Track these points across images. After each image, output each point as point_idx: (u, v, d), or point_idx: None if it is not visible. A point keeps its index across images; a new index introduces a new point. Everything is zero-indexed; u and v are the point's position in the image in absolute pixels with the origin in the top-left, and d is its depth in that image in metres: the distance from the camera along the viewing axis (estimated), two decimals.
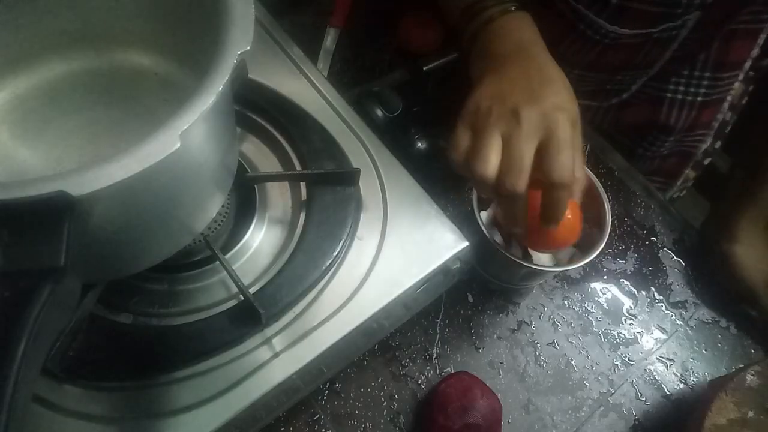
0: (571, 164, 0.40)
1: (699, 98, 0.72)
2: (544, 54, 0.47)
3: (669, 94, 0.73)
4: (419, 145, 0.63)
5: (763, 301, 0.58)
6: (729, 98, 0.73)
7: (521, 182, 0.40)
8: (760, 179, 0.61)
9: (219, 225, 0.46)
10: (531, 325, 0.57)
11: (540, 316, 0.57)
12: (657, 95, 0.74)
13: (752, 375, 0.50)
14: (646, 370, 0.56)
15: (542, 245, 0.50)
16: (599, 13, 0.61)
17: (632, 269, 0.61)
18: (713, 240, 0.61)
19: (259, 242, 0.48)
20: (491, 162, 0.40)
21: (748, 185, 0.61)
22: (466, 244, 0.48)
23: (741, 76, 0.71)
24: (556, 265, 0.54)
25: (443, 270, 0.48)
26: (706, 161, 0.81)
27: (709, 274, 0.62)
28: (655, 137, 0.77)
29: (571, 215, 0.48)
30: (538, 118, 0.41)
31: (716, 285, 0.61)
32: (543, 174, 0.41)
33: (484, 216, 0.53)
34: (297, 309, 0.44)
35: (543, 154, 0.40)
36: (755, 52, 0.69)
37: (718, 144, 0.79)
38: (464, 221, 0.52)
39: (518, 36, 0.48)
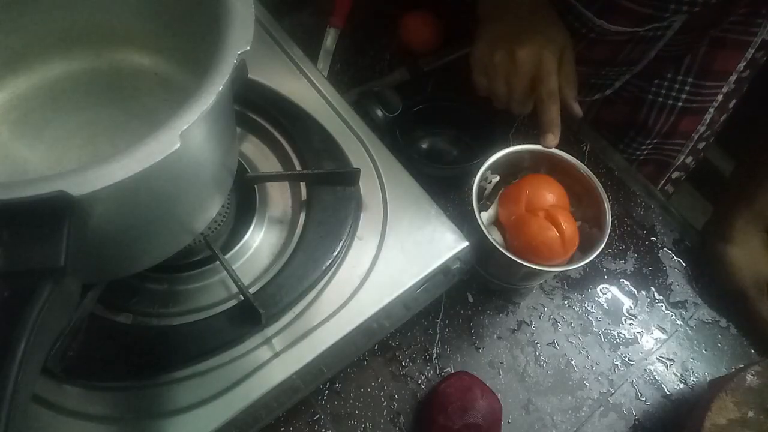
0: (555, 86, 0.54)
1: (680, 103, 0.72)
2: None
3: (650, 96, 0.73)
4: (419, 145, 0.63)
5: (753, 301, 0.58)
6: (711, 110, 0.73)
7: (523, 108, 0.58)
8: (756, 181, 0.61)
9: (219, 225, 0.46)
10: (531, 325, 0.57)
11: (540, 316, 0.57)
12: (638, 95, 0.74)
13: (752, 375, 0.50)
14: (646, 370, 0.56)
15: (539, 257, 0.50)
16: (588, 6, 0.61)
17: (632, 269, 0.61)
18: (710, 240, 0.62)
19: (259, 242, 0.48)
20: (502, 99, 0.58)
21: (746, 187, 0.61)
22: (466, 244, 0.48)
23: (725, 89, 0.71)
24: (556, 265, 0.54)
25: (443, 270, 0.48)
26: (675, 175, 0.81)
27: (709, 274, 0.62)
28: (632, 139, 0.77)
29: (567, 227, 0.49)
30: (529, 58, 0.54)
31: (716, 285, 0.61)
32: (536, 92, 0.55)
33: (484, 216, 0.53)
34: (297, 309, 0.44)
35: (536, 80, 0.55)
36: (741, 66, 0.68)
37: (690, 159, 0.79)
38: (464, 221, 0.52)
39: None
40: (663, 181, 0.81)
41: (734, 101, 0.74)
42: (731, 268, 0.59)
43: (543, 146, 0.54)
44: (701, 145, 0.78)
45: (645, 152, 0.78)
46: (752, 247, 0.59)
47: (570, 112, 0.56)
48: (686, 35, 0.63)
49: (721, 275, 0.60)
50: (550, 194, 0.52)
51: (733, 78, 0.70)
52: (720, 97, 0.72)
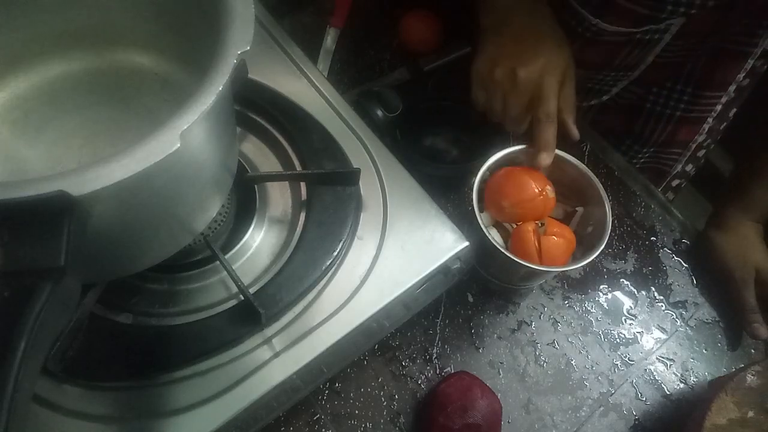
0: (554, 108, 0.53)
1: (678, 113, 0.72)
2: (540, 10, 0.56)
3: (648, 104, 0.73)
4: (419, 145, 0.63)
5: (739, 285, 0.59)
6: (710, 120, 0.73)
7: (517, 126, 0.57)
8: (750, 175, 0.63)
9: (219, 225, 0.46)
10: (531, 325, 0.57)
11: (540, 316, 0.57)
12: (636, 103, 0.74)
13: (752, 375, 0.50)
14: (646, 370, 0.56)
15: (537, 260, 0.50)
16: (584, 5, 0.61)
17: (632, 269, 0.61)
18: (705, 228, 0.64)
19: (259, 242, 0.48)
20: (498, 115, 0.57)
21: (740, 179, 0.64)
22: (466, 244, 0.48)
23: (724, 99, 0.71)
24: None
25: (443, 270, 0.48)
26: (675, 182, 0.81)
27: (709, 274, 0.62)
28: (629, 147, 0.77)
29: (558, 236, 0.50)
30: (530, 78, 0.53)
31: (716, 285, 0.61)
32: (534, 112, 0.54)
33: (484, 216, 0.53)
34: (297, 309, 0.44)
35: (535, 100, 0.53)
36: (741, 76, 0.68)
37: (690, 167, 0.80)
38: (464, 221, 0.52)
39: None
40: (661, 189, 0.81)
41: (734, 110, 0.74)
42: (720, 252, 0.61)
43: (535, 165, 0.53)
44: (701, 153, 0.78)
45: (642, 160, 0.79)
46: (742, 234, 0.62)
47: (568, 135, 0.55)
48: (684, 41, 0.63)
49: (711, 258, 0.62)
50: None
51: (732, 88, 0.70)
52: (719, 107, 0.72)
